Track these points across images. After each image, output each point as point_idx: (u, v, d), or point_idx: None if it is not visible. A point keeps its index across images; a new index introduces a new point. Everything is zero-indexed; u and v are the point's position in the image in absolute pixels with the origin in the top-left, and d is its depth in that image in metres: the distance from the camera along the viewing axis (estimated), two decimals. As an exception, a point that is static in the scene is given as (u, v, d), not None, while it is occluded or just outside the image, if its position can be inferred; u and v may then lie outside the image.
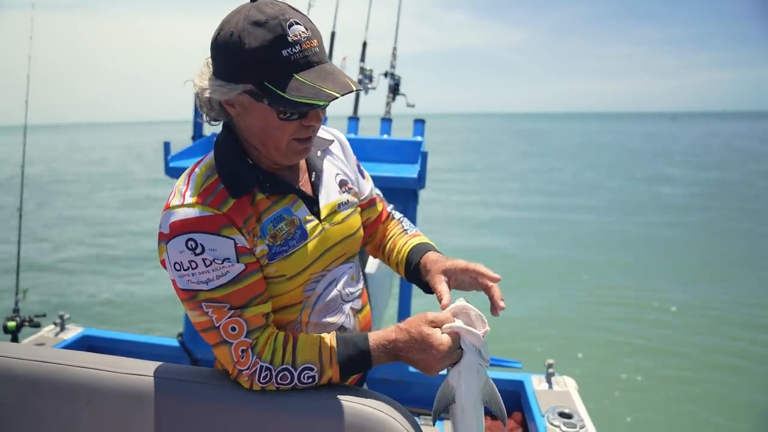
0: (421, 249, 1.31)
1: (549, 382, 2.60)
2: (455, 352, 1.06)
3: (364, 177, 1.39)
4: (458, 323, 1.07)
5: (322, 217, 1.20)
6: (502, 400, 1.10)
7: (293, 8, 1.02)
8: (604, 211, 13.07)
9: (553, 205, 13.92)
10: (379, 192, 1.45)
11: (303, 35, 0.97)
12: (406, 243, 1.36)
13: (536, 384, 2.59)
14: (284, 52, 0.96)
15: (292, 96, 0.96)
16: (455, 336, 1.06)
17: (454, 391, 1.09)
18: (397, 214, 1.47)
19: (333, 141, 1.31)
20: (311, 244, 1.16)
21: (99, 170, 25.13)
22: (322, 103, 0.98)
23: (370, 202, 1.40)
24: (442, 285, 1.17)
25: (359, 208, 1.34)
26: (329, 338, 1.11)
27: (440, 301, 1.14)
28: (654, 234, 10.57)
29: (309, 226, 1.16)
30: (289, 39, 0.96)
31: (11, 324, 2.89)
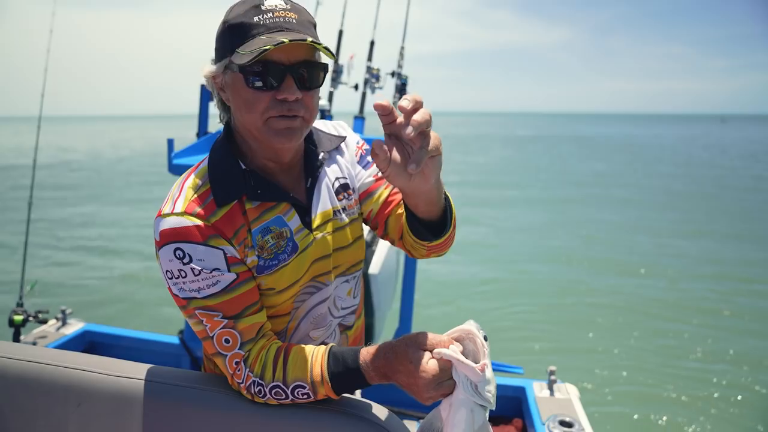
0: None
1: (551, 389, 2.58)
2: (446, 382, 0.92)
3: (365, 165, 1.24)
4: (452, 350, 0.91)
5: (314, 226, 1.14)
6: None
7: None
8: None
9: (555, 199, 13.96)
10: None
11: (279, 6, 1.00)
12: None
13: (538, 391, 2.57)
14: (255, 18, 0.98)
15: (244, 50, 0.96)
16: (446, 364, 0.92)
17: (441, 427, 0.94)
18: None
19: (344, 138, 1.23)
20: (301, 257, 1.12)
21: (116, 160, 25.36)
22: (269, 48, 0.93)
23: (368, 192, 1.23)
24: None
25: (361, 213, 1.24)
26: (321, 354, 1.04)
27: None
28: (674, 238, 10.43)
29: (299, 237, 1.12)
30: (263, 7, 0.99)
31: (18, 318, 2.91)
